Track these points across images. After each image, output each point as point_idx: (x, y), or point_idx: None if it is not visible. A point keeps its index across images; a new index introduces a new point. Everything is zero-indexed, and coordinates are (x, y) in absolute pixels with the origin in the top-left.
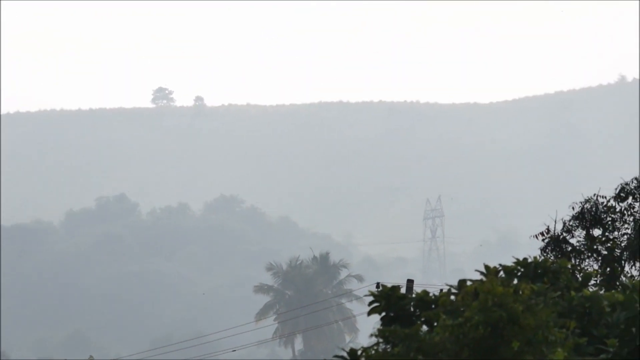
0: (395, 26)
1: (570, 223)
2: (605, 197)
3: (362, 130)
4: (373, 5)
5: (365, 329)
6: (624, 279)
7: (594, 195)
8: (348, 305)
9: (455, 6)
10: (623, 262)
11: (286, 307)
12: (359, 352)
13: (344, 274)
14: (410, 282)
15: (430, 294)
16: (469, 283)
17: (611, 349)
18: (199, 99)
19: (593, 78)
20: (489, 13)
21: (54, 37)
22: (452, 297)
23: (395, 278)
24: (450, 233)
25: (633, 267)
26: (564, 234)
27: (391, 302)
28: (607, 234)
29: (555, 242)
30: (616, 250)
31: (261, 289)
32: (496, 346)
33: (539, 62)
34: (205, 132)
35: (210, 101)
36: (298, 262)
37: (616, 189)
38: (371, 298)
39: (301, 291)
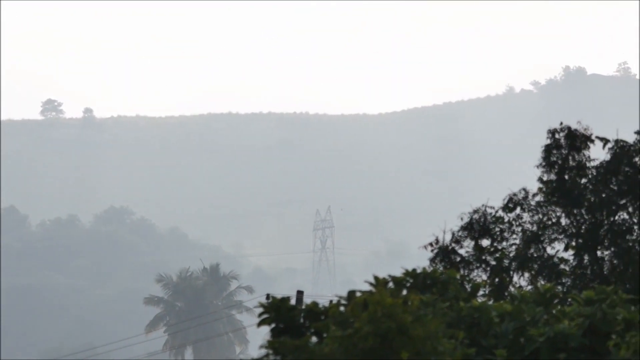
0: (276, 42)
1: (459, 234)
2: (494, 208)
3: (252, 141)
4: (244, 24)
5: (256, 340)
6: (512, 289)
7: (483, 205)
8: (238, 316)
9: (339, 24)
10: (511, 272)
11: (176, 319)
12: None
13: (234, 285)
14: (300, 294)
15: (320, 305)
16: (358, 294)
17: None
18: (88, 110)
19: (481, 89)
20: (382, 31)
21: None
22: (342, 308)
23: (285, 289)
24: (340, 244)
25: (521, 278)
26: (453, 245)
27: (281, 313)
28: (495, 244)
29: (444, 253)
30: (504, 260)
31: (151, 300)
32: (385, 357)
33: (428, 73)
34: (95, 143)
35: (100, 113)
36: (188, 274)
37: (504, 199)
38: (261, 309)
39: (191, 303)
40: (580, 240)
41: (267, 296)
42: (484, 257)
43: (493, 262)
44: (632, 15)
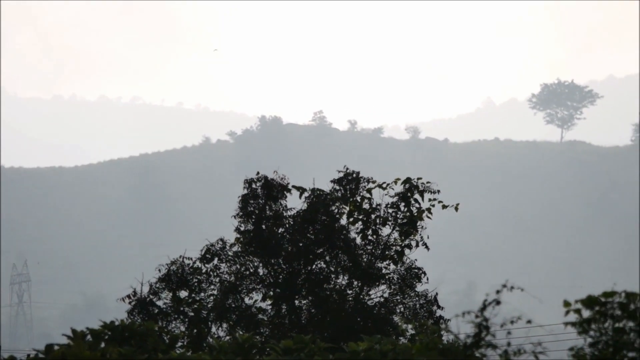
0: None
1: (157, 285)
2: (191, 259)
3: None
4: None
5: None
6: (210, 340)
7: (180, 257)
8: None
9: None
10: (210, 323)
11: None
12: None
13: None
14: None
15: None
16: (56, 347)
17: None
18: None
19: (177, 140)
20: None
21: None
22: None
23: None
24: (37, 297)
25: (220, 328)
26: (151, 297)
27: None
28: (193, 295)
29: (141, 305)
30: (203, 311)
31: None
32: None
33: (126, 126)
34: None
35: None
36: None
37: (202, 250)
38: None
39: None
40: (278, 290)
41: None
42: (182, 309)
43: (191, 313)
44: (326, 66)
